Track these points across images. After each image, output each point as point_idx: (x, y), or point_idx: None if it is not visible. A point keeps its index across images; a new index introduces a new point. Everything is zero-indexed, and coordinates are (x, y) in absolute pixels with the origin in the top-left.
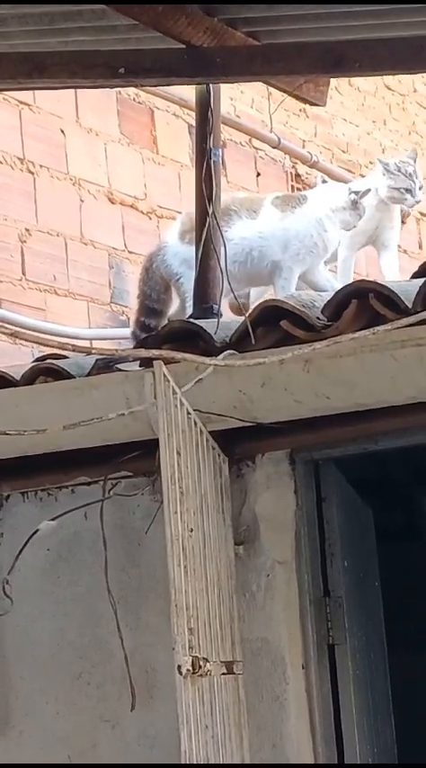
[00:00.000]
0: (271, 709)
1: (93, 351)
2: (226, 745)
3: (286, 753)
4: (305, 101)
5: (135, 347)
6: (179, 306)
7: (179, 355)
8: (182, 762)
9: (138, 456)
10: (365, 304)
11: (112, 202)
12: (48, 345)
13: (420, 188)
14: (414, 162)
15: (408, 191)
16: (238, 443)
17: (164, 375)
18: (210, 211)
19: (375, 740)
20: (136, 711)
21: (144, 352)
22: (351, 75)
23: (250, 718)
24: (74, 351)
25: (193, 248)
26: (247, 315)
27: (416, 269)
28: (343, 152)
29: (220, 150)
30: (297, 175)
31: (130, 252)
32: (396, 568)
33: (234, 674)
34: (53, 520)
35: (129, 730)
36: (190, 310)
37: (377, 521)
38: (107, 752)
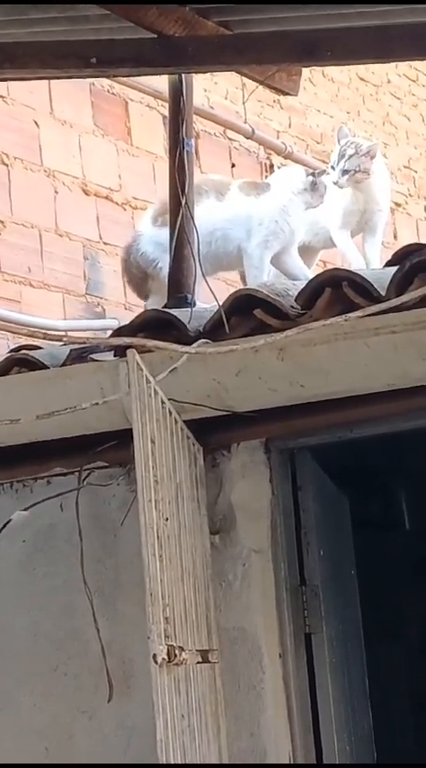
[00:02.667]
0: (248, 698)
1: (64, 338)
2: (203, 734)
3: (263, 742)
4: (277, 90)
5: (109, 336)
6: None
7: (150, 343)
8: (158, 750)
9: (114, 446)
10: (339, 292)
11: (87, 194)
12: (16, 333)
13: (346, 172)
14: (355, 147)
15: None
16: (213, 432)
17: (138, 363)
18: (183, 202)
19: (352, 729)
20: (113, 702)
21: (115, 341)
22: (323, 65)
23: (227, 708)
24: (44, 338)
25: (167, 231)
26: (221, 304)
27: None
28: (317, 143)
29: (192, 140)
30: (272, 166)
31: (105, 243)
32: (372, 557)
33: (209, 662)
34: (26, 509)
35: (107, 721)
36: None
37: (353, 509)
38: (84, 743)
